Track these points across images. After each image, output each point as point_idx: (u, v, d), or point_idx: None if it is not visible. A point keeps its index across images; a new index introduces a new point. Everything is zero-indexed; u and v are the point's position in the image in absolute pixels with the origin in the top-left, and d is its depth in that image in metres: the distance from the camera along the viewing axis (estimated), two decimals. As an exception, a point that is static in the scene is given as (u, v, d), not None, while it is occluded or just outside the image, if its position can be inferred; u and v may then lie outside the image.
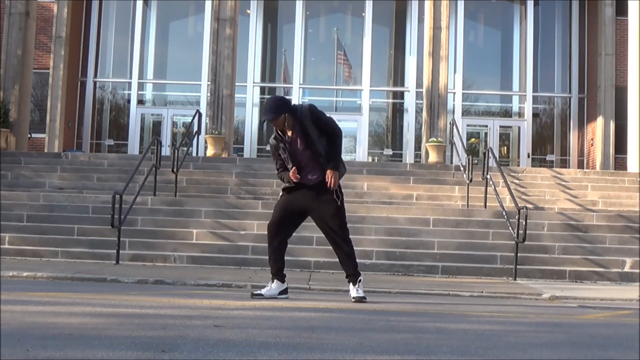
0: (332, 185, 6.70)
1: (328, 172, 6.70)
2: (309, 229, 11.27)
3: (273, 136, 6.87)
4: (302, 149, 6.76)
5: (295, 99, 25.86)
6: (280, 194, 7.05)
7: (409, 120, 26.12)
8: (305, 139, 6.70)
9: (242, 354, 3.75)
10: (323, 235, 7.01)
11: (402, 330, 5.12)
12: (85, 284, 8.50)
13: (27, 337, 4.00)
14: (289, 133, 6.76)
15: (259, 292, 6.96)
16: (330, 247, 7.10)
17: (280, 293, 6.94)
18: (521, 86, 26.44)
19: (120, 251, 11.46)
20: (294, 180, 6.76)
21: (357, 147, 25.69)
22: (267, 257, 7.01)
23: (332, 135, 6.75)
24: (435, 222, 12.92)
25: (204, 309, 5.85)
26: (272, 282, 6.94)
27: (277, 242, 6.89)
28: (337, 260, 7.07)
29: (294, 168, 6.76)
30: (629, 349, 4.58)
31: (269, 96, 27.28)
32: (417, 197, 15.44)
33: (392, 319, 5.79)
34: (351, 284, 6.94)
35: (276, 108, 6.66)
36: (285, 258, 7.04)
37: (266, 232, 7.04)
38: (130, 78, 26.24)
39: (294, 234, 7.16)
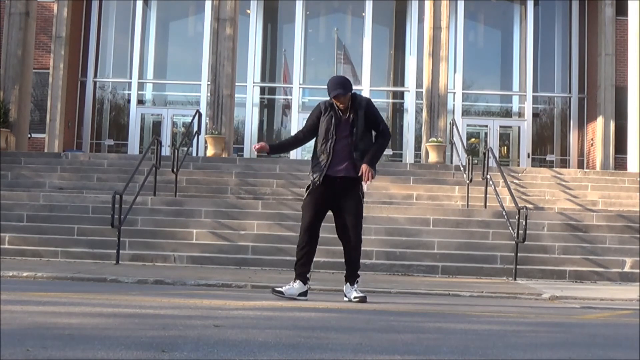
0: (367, 179, 6.70)
1: (363, 166, 6.71)
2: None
3: (330, 104, 6.83)
4: (344, 136, 6.77)
5: (295, 99, 25.88)
6: (306, 193, 6.95)
7: (409, 120, 26.11)
8: (352, 126, 6.74)
9: (242, 354, 3.74)
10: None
11: (402, 330, 5.11)
12: (85, 284, 8.50)
13: (27, 337, 4.00)
14: (343, 114, 6.80)
15: (280, 289, 6.90)
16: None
17: (300, 295, 6.84)
18: (521, 86, 26.42)
19: (120, 251, 11.46)
20: (256, 150, 6.90)
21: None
22: (291, 258, 6.91)
23: (381, 134, 6.88)
24: (435, 222, 12.93)
25: (204, 309, 5.85)
26: (295, 281, 6.88)
27: (309, 247, 6.85)
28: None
29: (262, 144, 6.86)
30: (629, 349, 4.58)
31: (269, 96, 27.32)
32: (417, 197, 15.44)
33: (392, 319, 5.78)
34: (348, 283, 6.92)
35: (348, 85, 6.75)
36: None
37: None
38: (130, 78, 26.22)
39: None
